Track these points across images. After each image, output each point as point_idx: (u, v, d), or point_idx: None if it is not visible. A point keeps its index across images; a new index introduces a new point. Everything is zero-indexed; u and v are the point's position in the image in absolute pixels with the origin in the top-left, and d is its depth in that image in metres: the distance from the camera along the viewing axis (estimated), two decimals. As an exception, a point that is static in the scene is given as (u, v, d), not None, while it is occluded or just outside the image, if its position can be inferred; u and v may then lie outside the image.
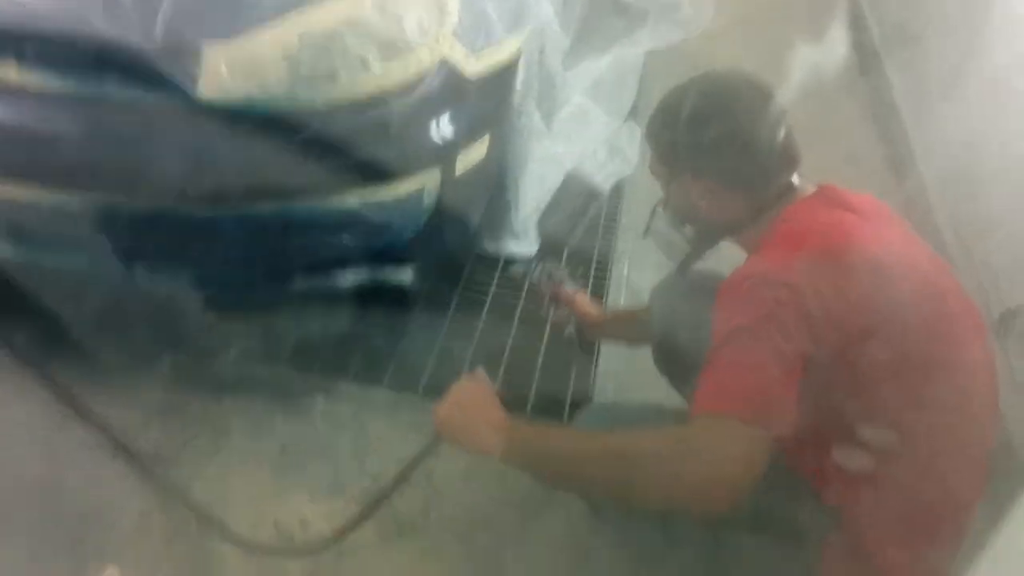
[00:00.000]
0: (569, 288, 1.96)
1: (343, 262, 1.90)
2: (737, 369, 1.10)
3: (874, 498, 1.19)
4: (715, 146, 1.30)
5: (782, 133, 1.30)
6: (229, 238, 1.75)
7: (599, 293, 2.43)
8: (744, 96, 1.32)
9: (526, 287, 2.24)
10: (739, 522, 1.28)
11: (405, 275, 2.04)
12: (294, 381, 2.08)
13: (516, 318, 2.31)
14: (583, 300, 1.96)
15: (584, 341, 2.03)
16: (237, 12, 1.61)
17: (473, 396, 1.28)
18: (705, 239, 1.46)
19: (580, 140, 2.81)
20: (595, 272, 2.50)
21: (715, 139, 1.30)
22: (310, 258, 1.86)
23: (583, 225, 1.73)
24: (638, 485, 1.10)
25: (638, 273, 2.53)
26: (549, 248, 2.48)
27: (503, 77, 2.03)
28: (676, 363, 1.71)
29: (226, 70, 1.59)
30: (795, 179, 1.34)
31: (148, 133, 1.62)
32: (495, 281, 2.42)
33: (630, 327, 1.93)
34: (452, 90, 1.85)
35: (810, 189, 1.34)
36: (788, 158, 1.32)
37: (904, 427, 1.16)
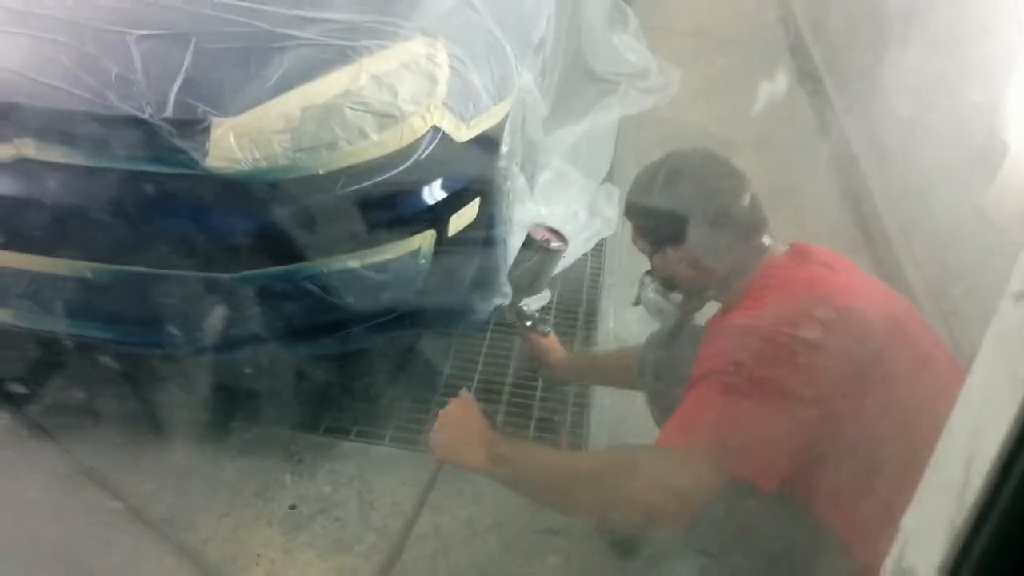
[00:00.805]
0: (539, 331, 2.05)
1: (344, 322, 1.97)
2: (698, 409, 1.24)
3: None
4: (689, 219, 1.43)
5: (747, 199, 1.43)
6: (234, 302, 1.83)
7: (588, 347, 2.52)
8: (709, 171, 1.47)
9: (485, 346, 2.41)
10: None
11: (403, 334, 2.11)
12: (299, 441, 2.12)
13: (511, 369, 2.39)
14: (549, 343, 2.06)
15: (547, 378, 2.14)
16: (244, 88, 1.72)
17: (460, 415, 1.45)
18: (692, 303, 1.58)
19: (561, 202, 2.93)
20: (583, 328, 2.59)
21: (688, 213, 1.43)
22: (312, 319, 1.93)
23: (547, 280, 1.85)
24: (592, 501, 1.28)
25: (623, 328, 2.62)
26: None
27: (490, 143, 2.15)
28: (669, 411, 1.81)
29: (234, 142, 1.68)
30: (766, 239, 1.45)
31: (160, 202, 1.71)
32: (487, 338, 2.50)
33: (590, 372, 2.11)
34: (444, 156, 1.96)
35: (782, 247, 1.45)
36: (757, 221, 1.44)
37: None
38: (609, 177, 3.23)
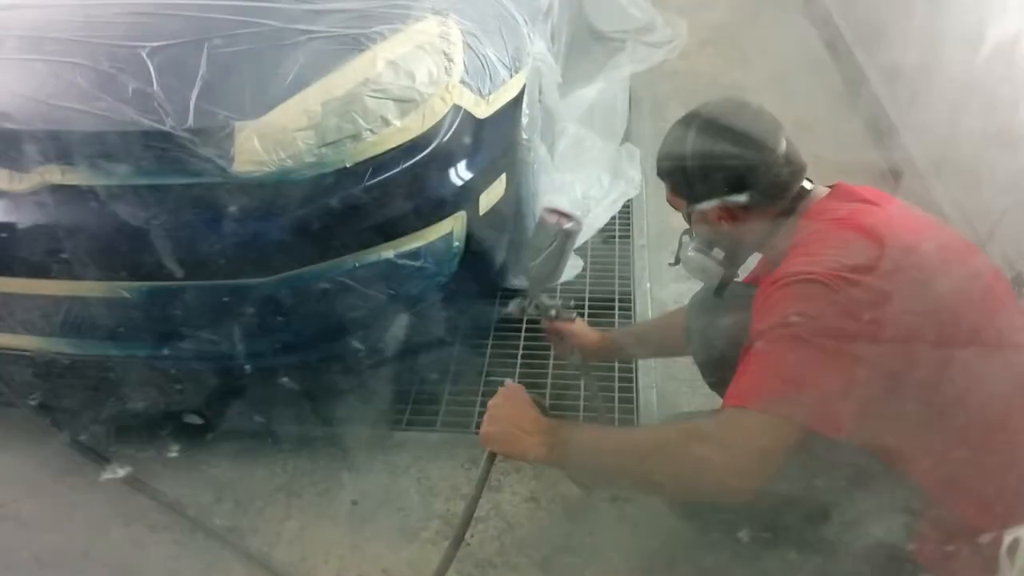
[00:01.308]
0: (563, 318, 1.96)
1: (385, 313, 1.96)
2: (762, 365, 1.20)
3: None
4: (726, 171, 1.38)
5: (783, 145, 1.38)
6: (275, 306, 1.82)
7: (626, 310, 2.50)
8: (743, 120, 1.40)
9: (524, 321, 2.34)
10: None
11: (443, 317, 2.10)
12: (353, 436, 2.12)
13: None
14: (579, 328, 1.98)
15: (586, 366, 2.06)
16: (263, 89, 1.69)
17: (509, 405, 1.40)
18: (735, 257, 1.53)
19: (582, 167, 2.89)
20: (619, 292, 2.56)
21: (724, 165, 1.38)
22: (353, 314, 1.92)
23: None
24: (666, 474, 1.23)
25: (659, 288, 2.60)
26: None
27: (510, 116, 2.12)
28: (723, 375, 1.78)
29: (258, 144, 1.66)
30: (806, 184, 1.41)
31: (190, 213, 1.69)
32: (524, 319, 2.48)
33: (635, 346, 2.02)
34: (467, 134, 1.93)
35: (823, 190, 1.41)
36: (794, 167, 1.39)
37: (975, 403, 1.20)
38: (627, 137, 3.19)
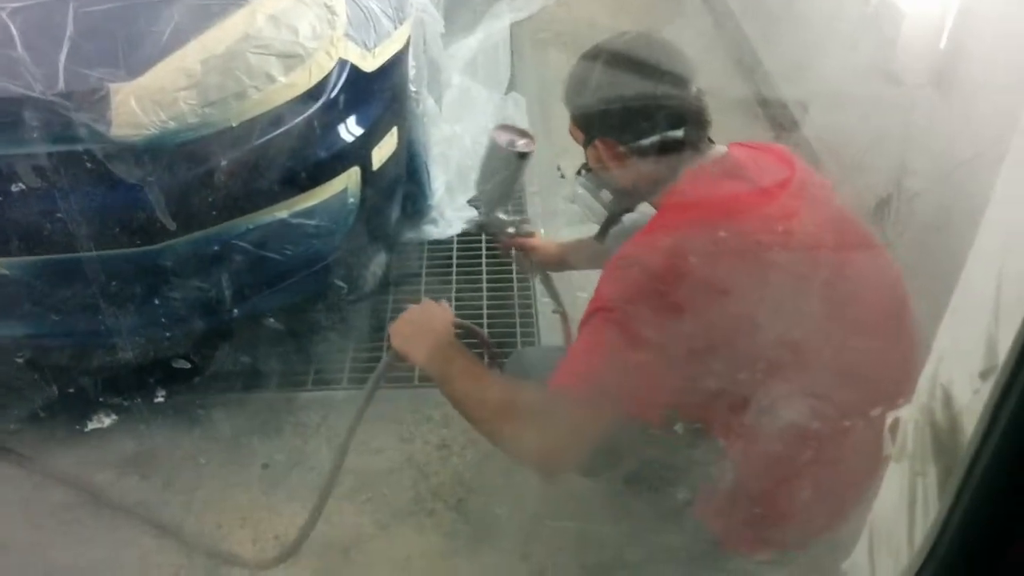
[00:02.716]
0: (523, 233, 1.93)
1: (281, 274, 1.93)
2: (585, 347, 1.24)
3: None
4: (619, 110, 1.34)
5: (687, 96, 1.32)
6: (167, 273, 1.77)
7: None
8: (650, 60, 1.35)
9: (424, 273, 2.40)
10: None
11: (341, 274, 2.09)
12: (259, 400, 2.10)
13: (453, 295, 2.39)
14: (540, 241, 1.96)
15: (547, 279, 2.05)
16: (137, 48, 1.63)
17: (426, 312, 1.46)
18: (620, 201, 1.48)
19: (470, 118, 2.89)
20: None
21: (619, 103, 1.34)
22: (249, 277, 1.89)
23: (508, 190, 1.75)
24: (493, 436, 1.31)
25: (553, 234, 2.64)
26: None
27: (397, 68, 2.10)
28: None
29: (136, 106, 1.60)
30: (704, 142, 1.34)
31: (68, 182, 1.62)
32: (424, 265, 2.49)
33: (591, 255, 1.93)
34: (355, 88, 1.91)
35: (721, 149, 1.35)
36: (695, 118, 1.32)
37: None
38: (512, 86, 3.20)
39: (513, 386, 1.36)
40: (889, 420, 0.58)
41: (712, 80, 3.29)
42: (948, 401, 0.52)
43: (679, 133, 1.31)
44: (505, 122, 1.75)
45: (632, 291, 1.20)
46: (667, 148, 1.33)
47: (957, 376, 0.53)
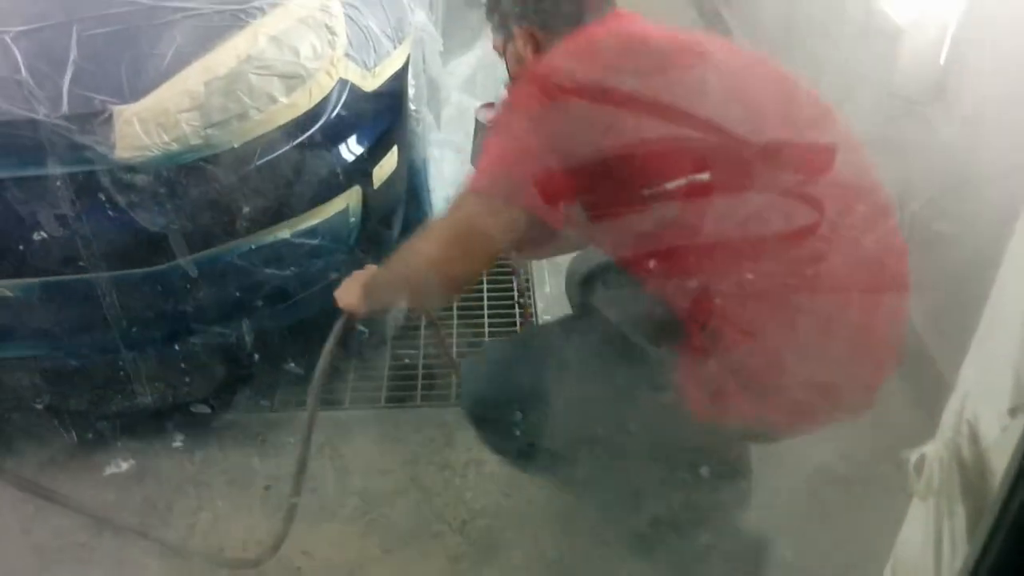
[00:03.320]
0: None
1: (284, 294, 1.93)
2: (486, 154, 1.28)
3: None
4: None
5: None
6: (171, 294, 1.76)
7: (523, 273, 2.54)
8: None
9: None
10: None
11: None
12: (260, 421, 2.09)
13: (455, 311, 2.39)
14: None
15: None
16: (140, 71, 1.63)
17: (357, 274, 1.51)
18: None
19: (466, 134, 2.89)
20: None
21: None
22: (252, 297, 1.88)
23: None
24: (427, 267, 1.32)
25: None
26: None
27: (397, 88, 2.10)
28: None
29: (139, 128, 1.60)
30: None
31: (72, 204, 1.61)
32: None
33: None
34: (355, 108, 1.91)
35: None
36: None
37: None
38: (510, 103, 3.21)
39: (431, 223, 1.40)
40: (914, 457, 0.57)
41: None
42: (975, 438, 0.52)
43: (593, 11, 1.35)
44: (490, 101, 1.77)
45: (523, 98, 1.24)
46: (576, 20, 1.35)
47: (984, 412, 0.53)
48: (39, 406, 1.81)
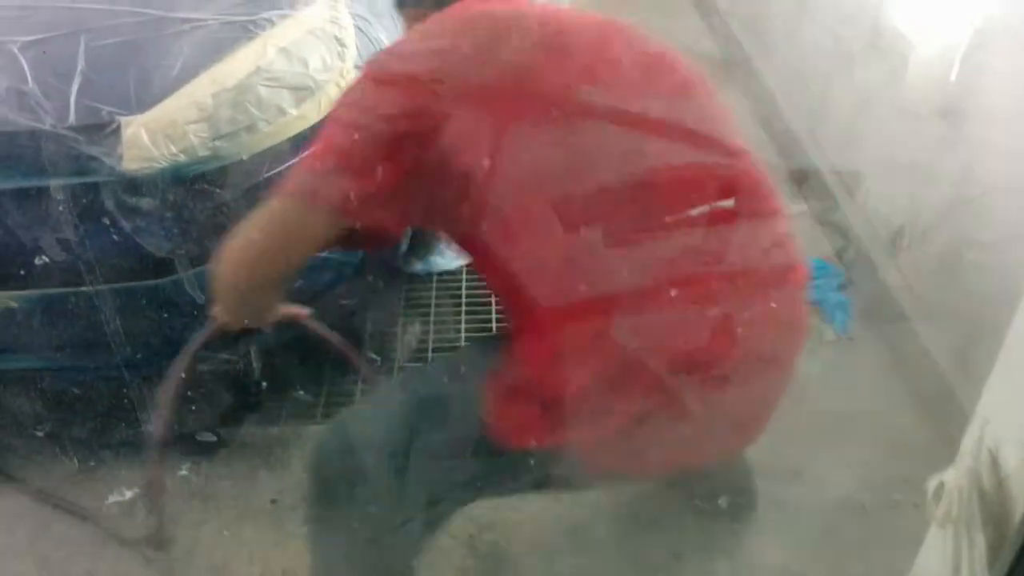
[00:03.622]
0: None
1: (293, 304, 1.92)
2: (308, 157, 1.17)
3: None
4: None
5: None
6: (175, 307, 1.75)
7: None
8: None
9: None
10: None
11: (352, 307, 2.07)
12: (267, 435, 2.08)
13: (463, 325, 2.38)
14: None
15: None
16: (148, 82, 1.62)
17: None
18: None
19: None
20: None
21: None
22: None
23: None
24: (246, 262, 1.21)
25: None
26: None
27: (406, 99, 2.10)
28: None
29: (147, 140, 1.59)
30: None
31: (79, 216, 1.61)
32: (433, 297, 2.48)
33: None
34: (364, 120, 1.90)
35: None
36: None
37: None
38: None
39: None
40: (933, 484, 0.56)
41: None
42: (995, 465, 0.50)
43: None
44: None
45: (346, 96, 1.16)
46: None
47: (1005, 439, 0.51)
48: (40, 433, 1.79)
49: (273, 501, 1.94)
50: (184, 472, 1.99)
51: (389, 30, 2.00)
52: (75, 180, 1.58)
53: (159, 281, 1.70)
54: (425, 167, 1.09)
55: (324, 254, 1.85)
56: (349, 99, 1.17)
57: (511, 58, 1.11)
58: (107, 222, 1.61)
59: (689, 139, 1.16)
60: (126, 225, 1.62)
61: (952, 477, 0.55)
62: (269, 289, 1.26)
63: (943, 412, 1.92)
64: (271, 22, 1.75)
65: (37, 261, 1.59)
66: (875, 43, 2.54)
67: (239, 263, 1.19)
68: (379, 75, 1.15)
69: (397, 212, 1.13)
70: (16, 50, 1.61)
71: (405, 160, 1.09)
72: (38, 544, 1.84)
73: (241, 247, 1.18)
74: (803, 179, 2.95)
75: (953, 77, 2.09)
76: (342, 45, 1.84)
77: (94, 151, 1.57)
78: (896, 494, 1.74)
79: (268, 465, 2.02)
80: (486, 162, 1.07)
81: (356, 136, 1.09)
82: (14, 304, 1.67)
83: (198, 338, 1.42)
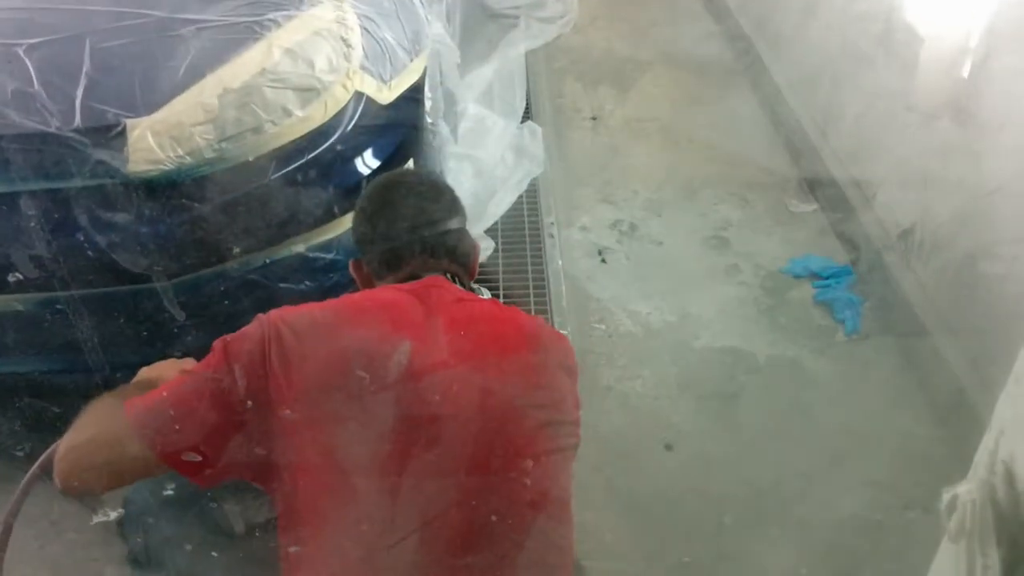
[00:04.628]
0: None
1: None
2: (162, 387, 1.14)
3: None
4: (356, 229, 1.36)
5: (410, 227, 1.29)
6: (186, 308, 1.75)
7: (540, 288, 2.51)
8: (396, 190, 1.34)
9: None
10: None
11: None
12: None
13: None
14: None
15: None
16: (154, 84, 1.62)
17: (172, 363, 1.34)
18: None
19: (484, 148, 2.88)
20: (532, 267, 2.58)
21: (357, 226, 1.35)
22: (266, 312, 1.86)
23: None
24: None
25: (570, 264, 2.62)
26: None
27: (414, 100, 2.09)
28: None
29: (153, 142, 1.59)
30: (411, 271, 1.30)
31: (83, 218, 1.60)
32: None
33: None
34: (370, 121, 1.90)
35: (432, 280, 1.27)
36: (408, 253, 1.29)
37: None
38: (527, 115, 3.19)
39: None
40: (946, 498, 0.54)
41: (732, 108, 3.31)
42: (1010, 479, 0.49)
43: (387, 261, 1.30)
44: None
45: (226, 347, 1.13)
46: (382, 273, 1.31)
47: (1021, 452, 0.50)
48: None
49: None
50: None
51: (396, 31, 2.00)
52: (80, 183, 1.58)
53: (164, 283, 1.69)
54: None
55: (332, 255, 1.87)
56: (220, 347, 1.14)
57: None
58: (111, 224, 1.60)
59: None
60: (131, 226, 1.61)
61: (965, 490, 0.53)
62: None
63: (958, 422, 1.89)
64: (277, 23, 1.74)
65: (41, 264, 1.59)
66: (886, 37, 2.52)
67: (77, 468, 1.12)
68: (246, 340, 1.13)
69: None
70: (21, 52, 1.60)
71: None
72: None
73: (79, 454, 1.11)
74: (814, 183, 2.93)
75: (965, 75, 2.07)
76: (348, 46, 1.83)
77: (100, 154, 1.56)
78: (907, 507, 1.72)
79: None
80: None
81: (196, 396, 1.09)
82: (20, 307, 1.67)
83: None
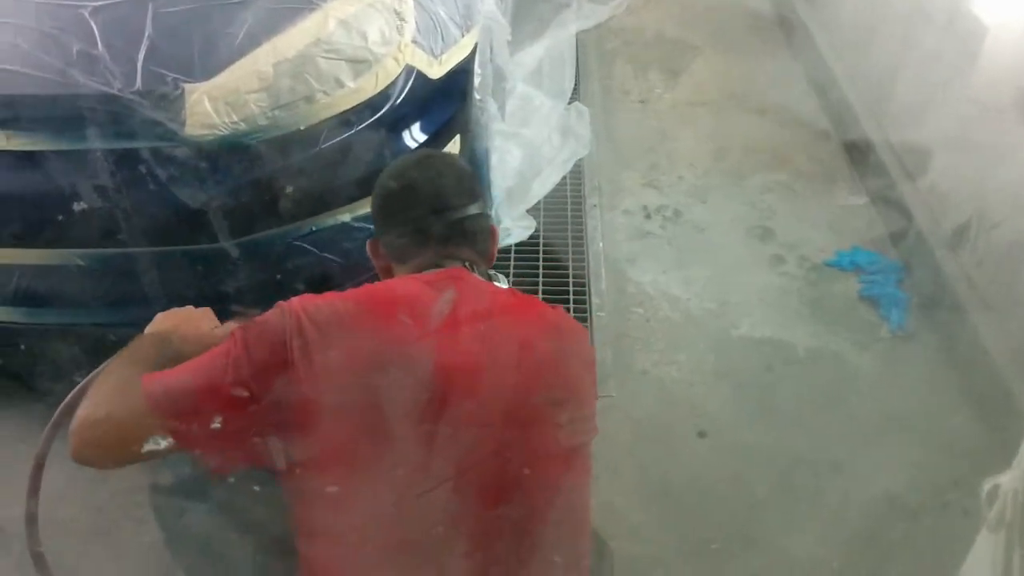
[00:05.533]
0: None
1: (340, 277, 1.94)
2: (181, 368, 1.14)
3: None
4: (375, 211, 1.37)
5: (432, 212, 1.28)
6: (232, 271, 1.79)
7: (579, 270, 2.52)
8: (420, 171, 1.34)
9: None
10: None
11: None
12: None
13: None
14: None
15: None
16: (212, 49, 1.65)
17: (189, 314, 1.36)
18: None
19: (531, 127, 2.89)
20: (572, 249, 2.58)
21: (377, 205, 1.37)
22: (309, 278, 1.90)
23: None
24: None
25: (612, 247, 2.62)
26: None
27: (463, 76, 2.10)
28: None
29: (210, 107, 1.62)
30: (432, 258, 1.28)
31: (142, 178, 1.64)
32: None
33: None
34: (420, 95, 1.91)
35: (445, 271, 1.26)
36: (427, 235, 1.28)
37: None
38: (575, 96, 3.18)
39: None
40: (987, 487, 0.54)
41: (786, 101, 3.27)
42: (1053, 471, 0.49)
43: (405, 244, 1.29)
44: None
45: (246, 336, 1.11)
46: (397, 255, 1.31)
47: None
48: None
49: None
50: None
51: (448, 6, 2.00)
52: (139, 144, 1.62)
53: (210, 246, 1.73)
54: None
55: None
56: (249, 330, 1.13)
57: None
58: (166, 186, 1.64)
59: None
60: (184, 189, 1.65)
61: (1007, 480, 0.53)
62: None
63: (1003, 420, 1.87)
64: (332, -6, 1.76)
65: (97, 222, 1.63)
66: (949, 26, 2.47)
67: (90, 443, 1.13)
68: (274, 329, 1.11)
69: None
70: (87, 15, 1.64)
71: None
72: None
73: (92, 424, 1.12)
74: (861, 157, 2.88)
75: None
76: (401, 19, 1.84)
77: (159, 116, 1.60)
78: (947, 495, 1.70)
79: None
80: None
81: (211, 372, 1.09)
82: (80, 261, 1.72)
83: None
